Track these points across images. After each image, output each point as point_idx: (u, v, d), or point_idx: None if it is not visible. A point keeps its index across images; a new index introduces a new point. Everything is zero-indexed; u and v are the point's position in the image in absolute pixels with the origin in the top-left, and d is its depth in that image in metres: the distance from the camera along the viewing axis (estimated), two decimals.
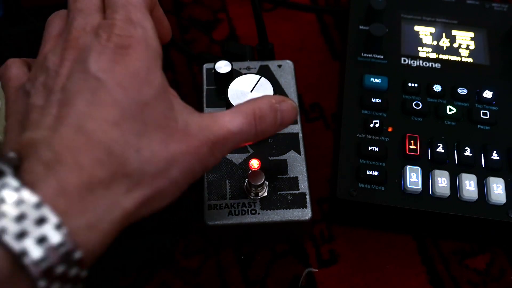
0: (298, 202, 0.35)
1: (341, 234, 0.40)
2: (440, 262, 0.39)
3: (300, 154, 0.37)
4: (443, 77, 0.43)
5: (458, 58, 0.44)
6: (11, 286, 0.21)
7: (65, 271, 0.22)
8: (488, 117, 0.40)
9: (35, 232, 0.21)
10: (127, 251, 0.37)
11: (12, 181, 0.22)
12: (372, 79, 0.42)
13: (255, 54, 0.44)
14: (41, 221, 0.21)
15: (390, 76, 0.42)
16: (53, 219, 0.21)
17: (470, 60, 0.44)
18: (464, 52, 0.45)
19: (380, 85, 0.42)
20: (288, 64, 0.42)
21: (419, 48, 0.45)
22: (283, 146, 0.38)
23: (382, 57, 0.44)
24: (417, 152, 0.38)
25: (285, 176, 0.36)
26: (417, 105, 0.40)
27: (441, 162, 0.38)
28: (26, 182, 0.22)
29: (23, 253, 0.20)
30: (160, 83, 0.27)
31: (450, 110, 0.40)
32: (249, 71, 0.42)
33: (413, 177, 0.37)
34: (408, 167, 0.37)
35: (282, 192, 0.36)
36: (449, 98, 0.41)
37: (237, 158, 0.37)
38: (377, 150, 0.38)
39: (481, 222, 0.36)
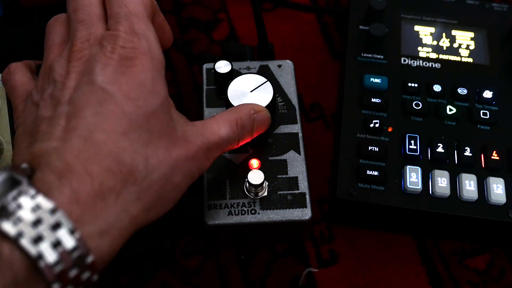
0: (298, 202, 0.35)
1: (341, 234, 0.40)
2: (440, 262, 0.39)
3: (300, 154, 0.37)
4: (443, 77, 0.43)
5: (458, 58, 0.44)
6: None
7: (78, 274, 0.22)
8: (488, 117, 0.40)
9: (51, 236, 0.22)
10: (127, 251, 0.37)
11: (28, 189, 0.22)
12: (372, 79, 0.42)
13: (255, 54, 0.44)
14: (56, 226, 0.22)
15: (390, 76, 0.42)
16: (67, 224, 0.22)
17: (470, 60, 0.44)
18: (464, 52, 0.45)
19: (380, 85, 0.42)
20: (288, 64, 0.42)
21: (419, 48, 0.45)
22: (283, 146, 0.38)
23: (382, 57, 0.44)
24: (417, 152, 0.38)
25: (285, 176, 0.36)
26: (417, 105, 0.40)
27: (441, 162, 0.38)
28: (40, 190, 0.23)
29: (39, 257, 0.21)
30: (164, 93, 0.28)
31: (450, 110, 0.40)
32: (249, 71, 0.42)
33: (413, 177, 0.37)
34: (408, 167, 0.37)
35: (282, 192, 0.36)
36: (449, 98, 0.41)
37: (237, 158, 0.37)
38: (377, 150, 0.38)
39: (481, 222, 0.36)
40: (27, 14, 0.45)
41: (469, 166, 0.38)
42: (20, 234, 0.21)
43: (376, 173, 0.37)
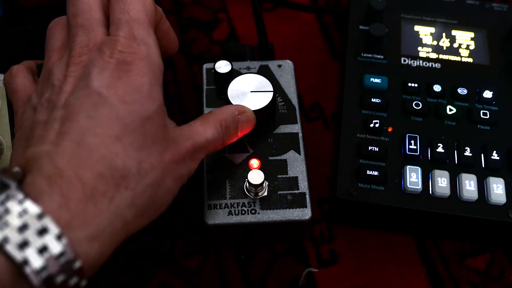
0: (298, 202, 0.35)
1: (341, 234, 0.40)
2: (440, 262, 0.39)
3: (300, 154, 0.37)
4: (443, 77, 0.43)
5: (458, 58, 0.44)
6: None
7: (65, 280, 0.22)
8: (488, 117, 0.40)
9: (37, 242, 0.21)
10: (127, 251, 0.37)
11: (16, 194, 0.22)
12: (372, 79, 0.42)
13: (255, 54, 0.44)
14: (42, 231, 0.22)
15: (390, 76, 0.42)
16: (54, 229, 0.22)
17: (470, 60, 0.44)
18: (464, 52, 0.45)
19: (380, 85, 0.42)
20: (288, 64, 0.42)
21: (419, 48, 0.45)
22: (283, 146, 0.38)
23: (382, 57, 0.44)
24: (417, 152, 0.38)
25: (285, 176, 0.36)
26: (417, 105, 0.40)
27: (441, 162, 0.38)
28: (29, 195, 0.22)
29: (25, 262, 0.21)
30: (160, 99, 0.28)
31: (450, 110, 0.40)
32: (249, 71, 0.42)
33: (413, 177, 0.37)
34: (408, 167, 0.37)
35: (282, 192, 0.36)
36: (449, 98, 0.41)
37: (237, 158, 0.37)
38: (377, 150, 0.38)
39: (481, 222, 0.36)
40: (27, 14, 0.45)
41: (469, 166, 0.38)
42: (5, 240, 0.21)
43: (376, 173, 0.37)
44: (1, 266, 0.21)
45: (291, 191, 0.36)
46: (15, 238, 0.21)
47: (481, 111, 0.40)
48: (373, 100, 0.41)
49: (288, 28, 0.51)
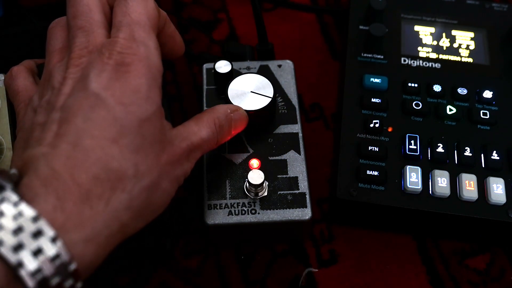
0: (298, 202, 0.35)
1: (341, 234, 0.40)
2: (440, 262, 0.39)
3: (300, 154, 0.37)
4: (443, 77, 0.43)
5: (458, 58, 0.44)
6: None
7: (60, 282, 0.22)
8: (488, 117, 0.40)
9: (32, 244, 0.21)
10: (127, 251, 0.37)
11: (11, 196, 0.22)
12: (372, 79, 0.42)
13: (255, 54, 0.44)
14: (37, 234, 0.22)
15: (390, 76, 0.42)
16: (49, 232, 0.22)
17: (470, 60, 0.44)
18: (464, 52, 0.45)
19: (380, 85, 0.42)
20: (288, 64, 0.42)
21: (419, 48, 0.45)
22: (283, 146, 0.38)
23: (382, 57, 0.44)
24: (417, 152, 0.38)
25: (285, 176, 0.36)
26: (417, 105, 0.40)
27: (441, 162, 0.38)
28: (25, 197, 0.22)
29: (19, 265, 0.21)
30: (158, 100, 0.28)
31: (450, 110, 0.40)
32: (249, 71, 0.42)
33: (413, 177, 0.37)
34: (408, 167, 0.37)
35: (282, 192, 0.36)
36: (449, 98, 0.41)
37: (237, 158, 0.37)
38: (377, 150, 0.38)
39: (481, 222, 0.36)
40: (27, 14, 0.45)
41: (469, 166, 0.38)
42: (0, 242, 0.21)
43: (376, 173, 0.37)
44: None
45: (291, 191, 0.36)
46: (9, 240, 0.21)
47: (481, 111, 0.40)
48: (373, 100, 0.41)
49: (288, 28, 0.51)
